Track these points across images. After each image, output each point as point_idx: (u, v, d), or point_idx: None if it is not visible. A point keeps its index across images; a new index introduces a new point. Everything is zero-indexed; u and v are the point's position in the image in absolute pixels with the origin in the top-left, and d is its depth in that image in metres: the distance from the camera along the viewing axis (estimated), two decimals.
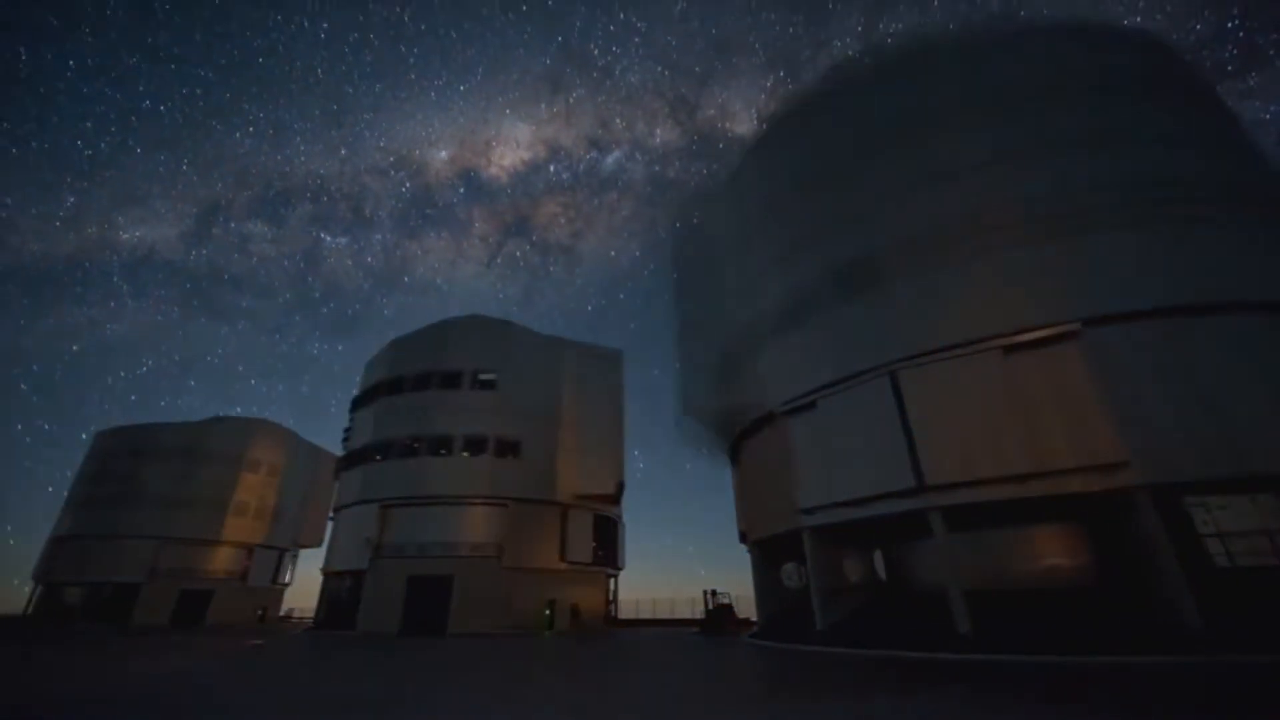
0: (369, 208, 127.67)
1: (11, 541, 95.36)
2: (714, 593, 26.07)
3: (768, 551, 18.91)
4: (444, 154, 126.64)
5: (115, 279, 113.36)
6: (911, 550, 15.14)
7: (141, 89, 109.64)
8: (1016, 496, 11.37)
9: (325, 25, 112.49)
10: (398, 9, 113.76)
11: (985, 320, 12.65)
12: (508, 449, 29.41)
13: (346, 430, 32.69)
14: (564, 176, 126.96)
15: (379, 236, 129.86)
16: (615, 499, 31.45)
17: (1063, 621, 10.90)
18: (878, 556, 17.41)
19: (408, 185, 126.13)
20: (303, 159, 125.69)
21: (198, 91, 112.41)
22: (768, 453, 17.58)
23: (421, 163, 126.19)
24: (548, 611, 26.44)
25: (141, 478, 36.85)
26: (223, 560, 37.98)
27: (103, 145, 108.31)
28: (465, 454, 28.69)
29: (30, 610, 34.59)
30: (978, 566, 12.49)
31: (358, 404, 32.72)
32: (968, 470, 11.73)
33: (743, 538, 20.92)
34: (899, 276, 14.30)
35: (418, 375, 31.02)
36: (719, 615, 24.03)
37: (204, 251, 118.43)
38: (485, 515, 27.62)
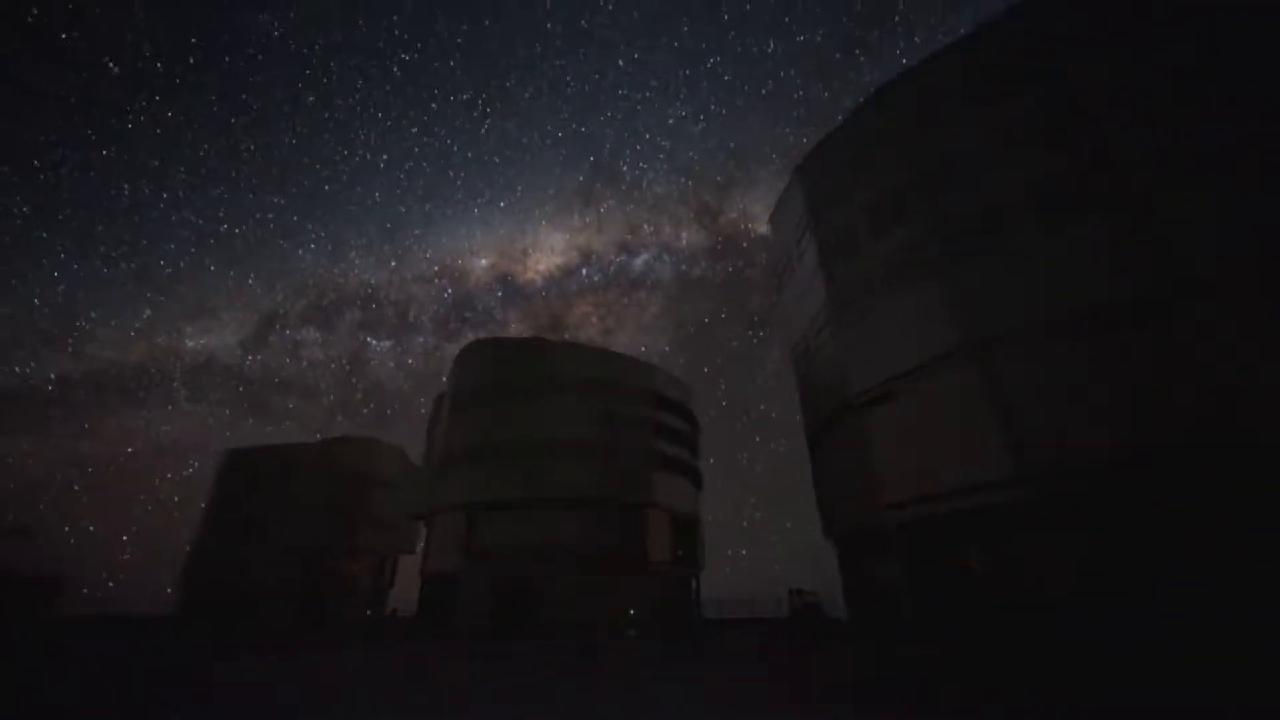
0: (413, 313, 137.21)
1: None
2: (799, 591, 25.14)
3: (854, 547, 17.98)
4: (484, 262, 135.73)
5: (176, 384, 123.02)
6: (1013, 545, 13.83)
7: (221, 214, 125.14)
8: (1129, 483, 10.05)
9: (385, 157, 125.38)
10: (449, 141, 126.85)
11: (1085, 290, 11.32)
12: (594, 451, 30.00)
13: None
14: (595, 278, 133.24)
15: (421, 339, 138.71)
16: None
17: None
18: (976, 552, 16.06)
19: (450, 291, 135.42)
20: (356, 270, 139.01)
21: (270, 216, 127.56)
22: (848, 444, 16.71)
23: (463, 270, 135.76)
24: (631, 611, 26.61)
25: (275, 492, 40.87)
26: (341, 565, 41.42)
27: (181, 264, 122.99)
28: (553, 458, 29.43)
29: (177, 613, 39.18)
30: (1087, 562, 11.16)
31: (453, 408, 33.63)
32: (1070, 457, 10.51)
33: (826, 533, 20.04)
34: (987, 246, 13.13)
35: (513, 382, 32.01)
36: (807, 616, 23.15)
37: (259, 357, 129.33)
38: (570, 518, 28.19)
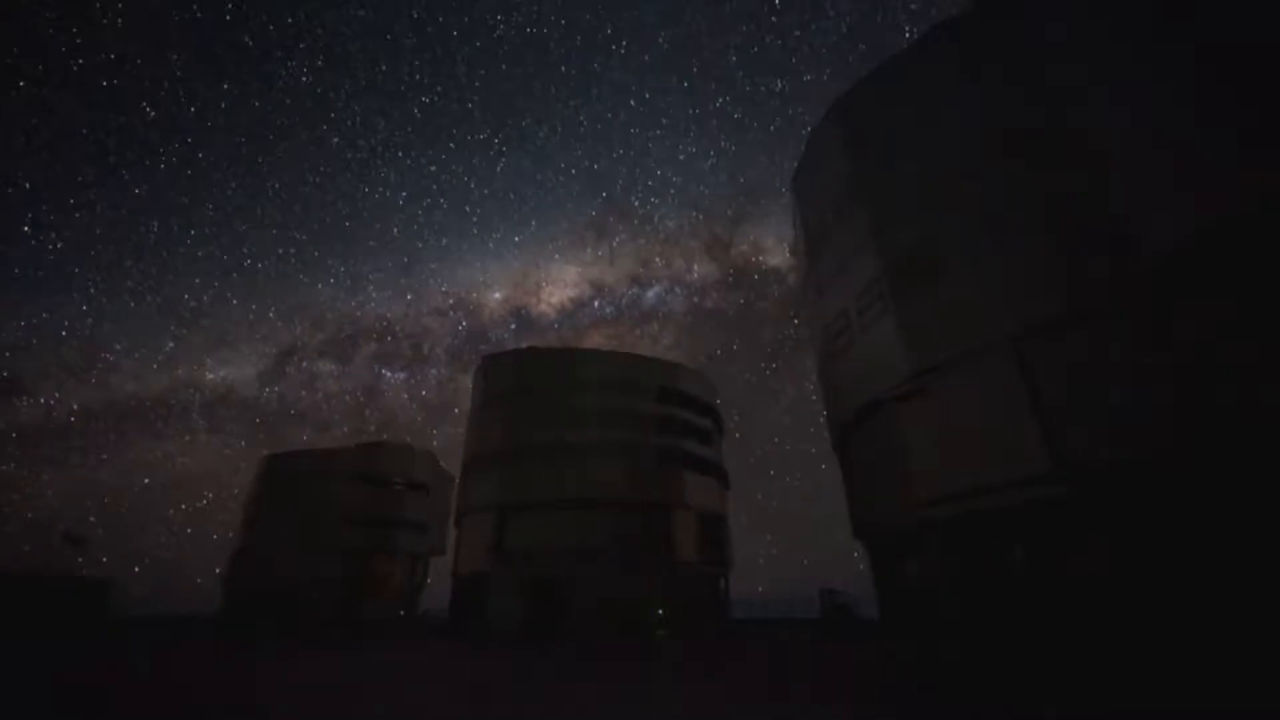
0: (428, 346, 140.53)
1: None
2: (831, 591, 24.75)
3: (885, 547, 17.54)
4: (498, 295, 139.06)
5: (194, 415, 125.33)
6: (1051, 542, 13.29)
7: (245, 250, 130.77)
8: (1169, 481, 9.52)
9: (404, 193, 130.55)
10: (466, 178, 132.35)
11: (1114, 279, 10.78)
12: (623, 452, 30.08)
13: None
14: (608, 311, 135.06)
15: (434, 371, 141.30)
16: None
17: None
18: (1013, 550, 15.49)
19: (464, 324, 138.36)
20: (373, 304, 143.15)
21: (291, 251, 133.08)
22: (878, 442, 16.26)
23: (478, 303, 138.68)
24: (660, 611, 26.54)
25: (313, 495, 42.02)
26: (377, 566, 42.40)
27: (205, 298, 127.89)
28: (579, 458, 29.60)
29: (221, 613, 40.57)
30: (1127, 562, 10.65)
31: (480, 411, 34.28)
32: (1108, 452, 10.01)
33: (857, 533, 19.63)
34: (1030, 225, 12.58)
35: (539, 384, 32.33)
36: (838, 616, 22.76)
37: (276, 389, 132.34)
38: (598, 518, 28.29)
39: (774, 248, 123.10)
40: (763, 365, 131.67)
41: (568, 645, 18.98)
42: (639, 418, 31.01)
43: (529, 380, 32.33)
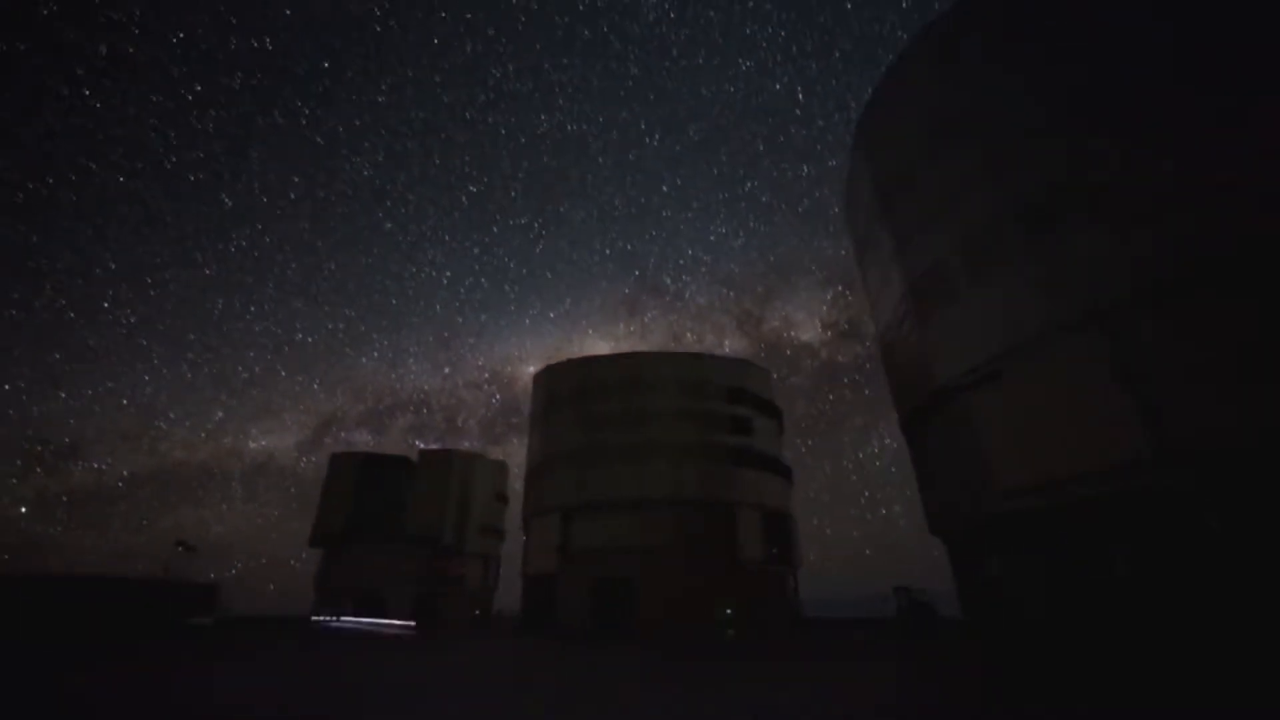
0: (461, 418, 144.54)
1: None
2: (907, 589, 23.59)
3: (965, 542, 16.56)
4: (531, 369, 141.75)
5: (234, 484, 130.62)
6: (1157, 539, 12.09)
7: (298, 325, 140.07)
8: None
9: (448, 274, 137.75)
10: (505, 259, 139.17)
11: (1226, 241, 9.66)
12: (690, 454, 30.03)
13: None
14: None
15: (466, 443, 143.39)
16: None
17: None
18: (1112, 544, 14.21)
19: (498, 397, 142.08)
20: (412, 376, 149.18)
21: (340, 326, 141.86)
22: (953, 430, 15.40)
23: (511, 377, 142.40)
24: (729, 611, 26.23)
25: (392, 499, 44.52)
26: (453, 567, 44.35)
27: (256, 369, 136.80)
28: (641, 459, 29.75)
29: (315, 612, 43.56)
30: (1234, 556, 9.50)
31: (543, 417, 34.95)
32: (1230, 430, 8.93)
33: (933, 528, 18.65)
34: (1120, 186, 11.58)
35: (600, 387, 32.75)
36: (917, 615, 21.66)
37: (313, 458, 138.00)
38: (662, 518, 28.29)
39: (805, 323, 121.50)
40: (797, 441, 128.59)
41: (634, 645, 19.06)
42: (701, 417, 30.78)
43: (590, 383, 32.77)
